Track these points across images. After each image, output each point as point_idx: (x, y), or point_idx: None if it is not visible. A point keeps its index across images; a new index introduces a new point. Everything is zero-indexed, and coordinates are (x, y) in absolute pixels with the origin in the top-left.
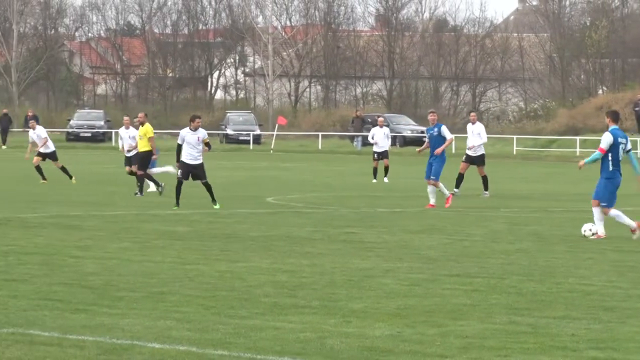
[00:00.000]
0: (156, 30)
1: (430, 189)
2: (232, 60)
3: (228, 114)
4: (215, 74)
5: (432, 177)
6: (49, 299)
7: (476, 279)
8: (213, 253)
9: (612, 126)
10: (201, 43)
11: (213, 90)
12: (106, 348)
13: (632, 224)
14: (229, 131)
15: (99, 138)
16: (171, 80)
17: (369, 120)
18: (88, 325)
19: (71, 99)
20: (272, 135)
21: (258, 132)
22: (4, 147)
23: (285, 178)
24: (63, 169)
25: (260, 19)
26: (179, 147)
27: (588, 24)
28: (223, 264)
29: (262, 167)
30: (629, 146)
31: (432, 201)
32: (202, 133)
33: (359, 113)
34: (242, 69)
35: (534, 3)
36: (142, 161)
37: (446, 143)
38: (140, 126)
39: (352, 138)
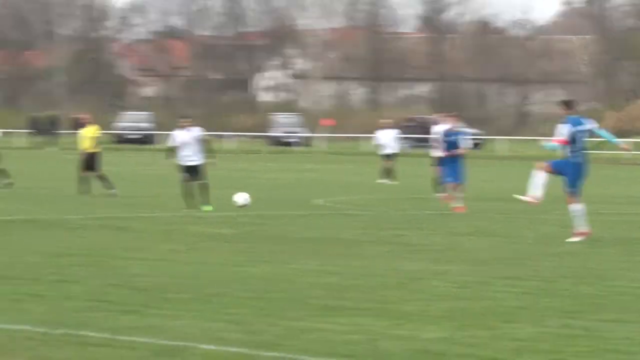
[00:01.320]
0: (199, 33)
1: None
2: (277, 62)
3: (274, 116)
4: (260, 76)
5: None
6: (100, 300)
7: (527, 281)
8: (261, 255)
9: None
10: (245, 45)
11: (257, 93)
12: (157, 349)
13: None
14: (275, 133)
15: (146, 140)
16: (216, 83)
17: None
18: (138, 327)
19: (117, 102)
20: (318, 137)
21: (304, 134)
22: (48, 148)
23: (331, 180)
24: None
25: (304, 20)
26: (172, 148)
27: (633, 25)
28: (272, 266)
29: (308, 169)
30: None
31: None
32: (197, 131)
33: (414, 116)
34: (287, 71)
35: (578, 5)
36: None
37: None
38: (84, 127)
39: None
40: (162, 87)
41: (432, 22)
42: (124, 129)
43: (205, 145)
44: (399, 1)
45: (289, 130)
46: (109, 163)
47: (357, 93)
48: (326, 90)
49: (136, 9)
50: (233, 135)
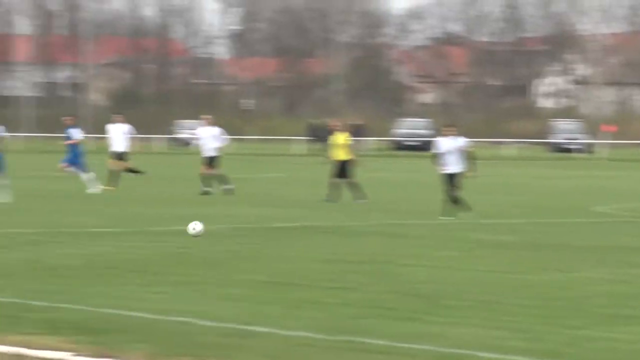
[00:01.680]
0: (478, 38)
1: None
2: (557, 68)
3: (554, 122)
4: (539, 82)
5: None
6: (378, 307)
7: None
8: (542, 263)
9: None
10: (524, 51)
11: (536, 99)
12: (437, 357)
13: None
14: (555, 140)
15: (424, 147)
16: (495, 89)
17: None
18: (418, 334)
19: (395, 108)
20: (599, 143)
21: (585, 140)
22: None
23: (616, 187)
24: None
25: (584, 25)
26: (436, 155)
27: None
28: (553, 274)
29: (591, 175)
30: None
31: None
32: (461, 140)
33: None
34: (567, 76)
35: None
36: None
37: None
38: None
39: None
40: (440, 93)
41: None
42: (402, 135)
43: (468, 155)
44: None
45: (569, 136)
46: (386, 169)
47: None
48: (607, 96)
49: (414, 15)
50: (512, 141)
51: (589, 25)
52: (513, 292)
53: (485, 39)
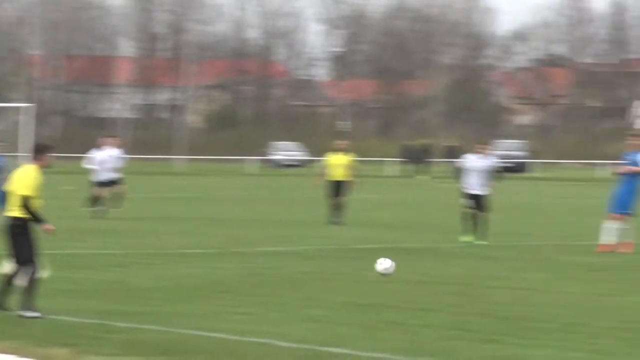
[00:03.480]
0: (581, 60)
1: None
2: None
3: None
4: (639, 103)
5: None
6: (460, 329)
7: None
8: (630, 285)
9: None
10: (627, 72)
11: (635, 120)
12: None
13: None
14: None
15: (518, 169)
16: (594, 110)
17: None
18: (499, 356)
19: (493, 130)
20: None
21: None
22: (419, 176)
23: None
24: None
25: None
26: (459, 171)
27: None
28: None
29: None
30: None
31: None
32: (488, 159)
33: None
34: None
35: None
36: None
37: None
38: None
39: None
40: (539, 115)
41: None
42: (499, 157)
43: (494, 176)
44: None
45: None
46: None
47: None
48: None
49: (519, 37)
50: (607, 163)
51: None
52: (600, 314)
53: (589, 60)
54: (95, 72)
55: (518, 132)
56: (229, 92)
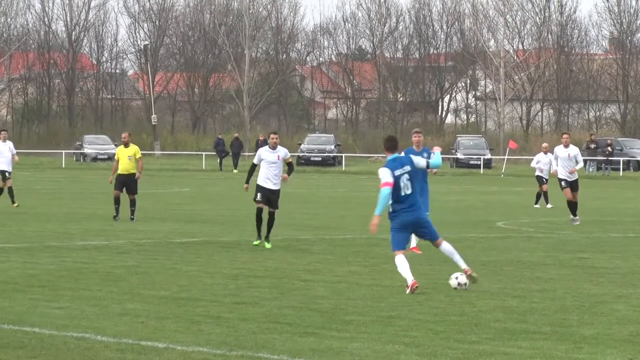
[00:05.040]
0: (387, 55)
1: None
2: (463, 84)
3: (459, 138)
4: (446, 98)
5: None
6: (278, 322)
7: None
8: (442, 277)
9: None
10: (432, 67)
11: (443, 115)
12: None
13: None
14: (460, 155)
15: (329, 162)
16: (402, 105)
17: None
18: (317, 349)
19: (302, 123)
20: (503, 159)
21: (489, 156)
22: (235, 171)
23: (516, 202)
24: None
25: (492, 42)
26: (253, 167)
27: None
28: (452, 289)
29: (492, 191)
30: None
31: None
32: (283, 152)
33: (593, 137)
34: (473, 92)
35: None
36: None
37: None
38: (124, 146)
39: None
40: (347, 109)
41: (622, 44)
42: (308, 150)
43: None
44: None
45: (473, 152)
46: (292, 185)
47: (544, 115)
48: (512, 112)
49: (325, 31)
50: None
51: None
52: (412, 307)
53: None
54: None
55: (328, 126)
56: (37, 85)
